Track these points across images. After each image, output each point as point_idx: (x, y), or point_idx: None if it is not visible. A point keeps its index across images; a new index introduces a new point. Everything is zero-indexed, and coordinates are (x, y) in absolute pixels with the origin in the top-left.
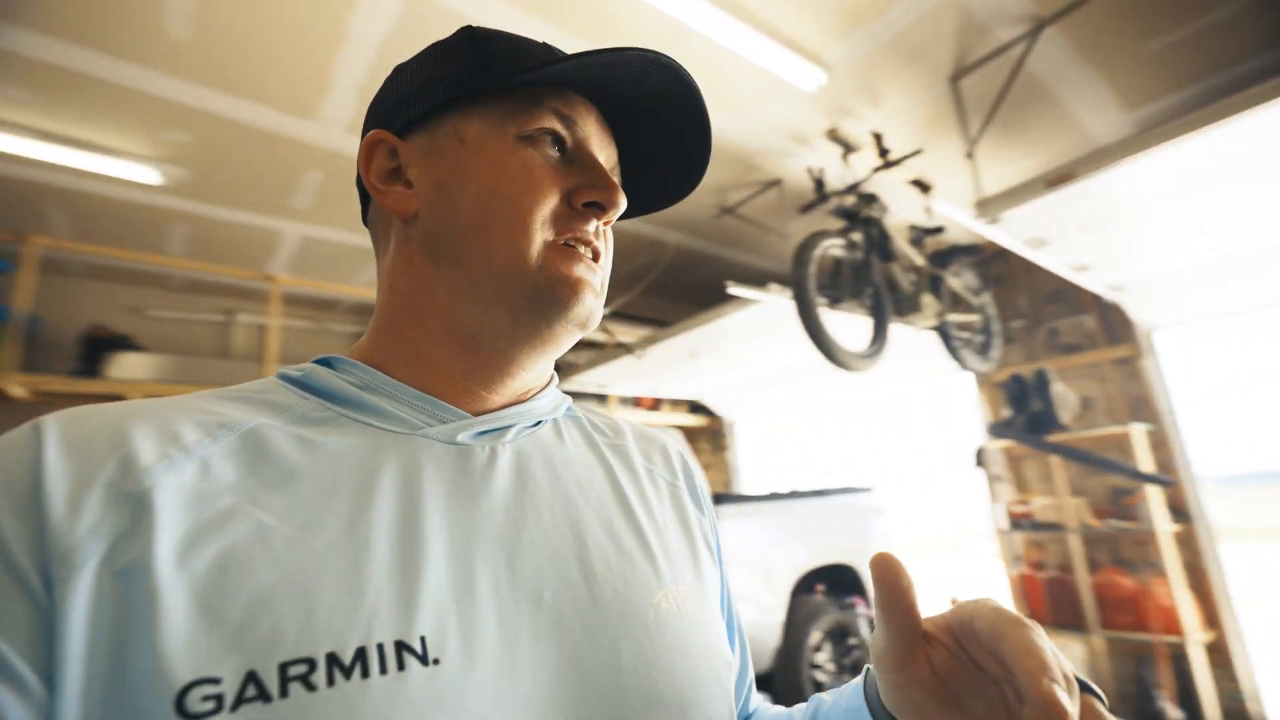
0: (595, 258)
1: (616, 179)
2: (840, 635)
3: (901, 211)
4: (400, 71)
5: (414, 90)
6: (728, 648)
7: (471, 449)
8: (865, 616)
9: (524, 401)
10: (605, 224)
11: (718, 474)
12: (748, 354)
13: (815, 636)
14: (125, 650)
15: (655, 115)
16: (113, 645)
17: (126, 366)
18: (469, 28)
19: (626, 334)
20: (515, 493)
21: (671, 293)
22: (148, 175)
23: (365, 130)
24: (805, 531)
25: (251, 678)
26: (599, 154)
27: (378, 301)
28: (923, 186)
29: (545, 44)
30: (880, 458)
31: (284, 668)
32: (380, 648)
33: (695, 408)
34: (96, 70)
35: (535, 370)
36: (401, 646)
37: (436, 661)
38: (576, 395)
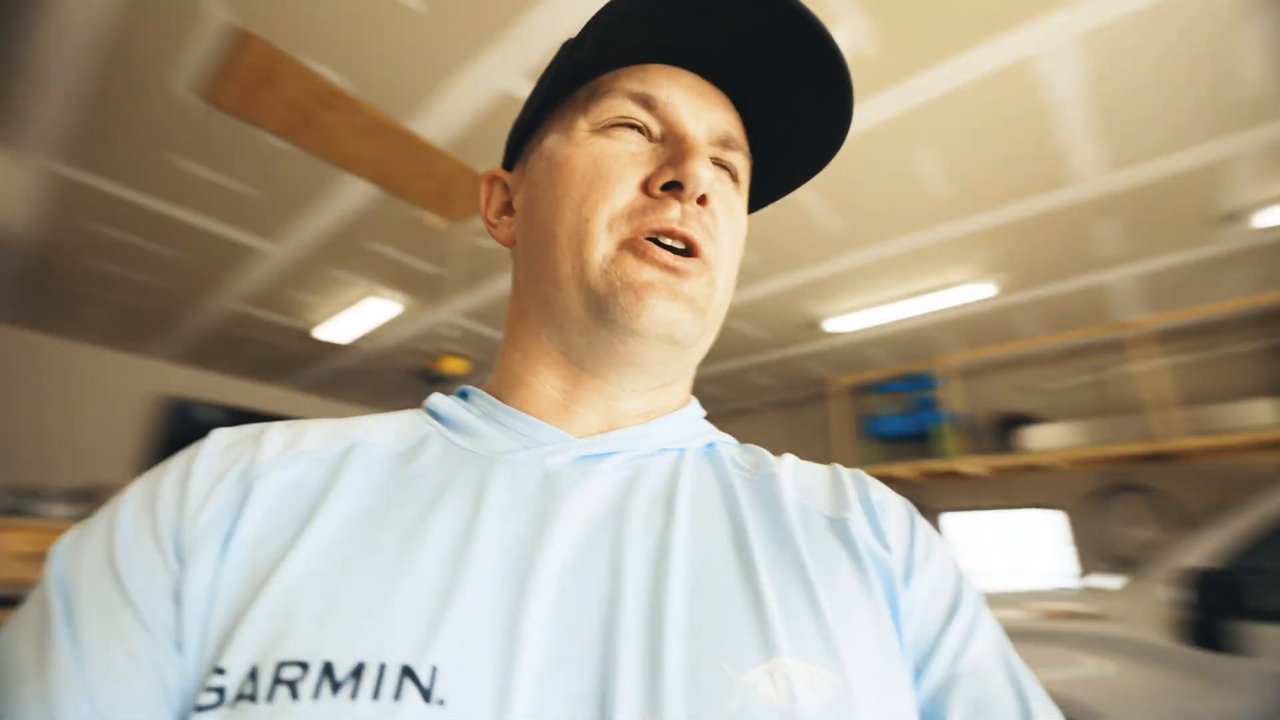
0: (691, 252)
1: (736, 147)
2: None
3: None
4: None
5: (519, 121)
6: None
7: (558, 475)
8: None
9: (639, 426)
10: (701, 204)
11: None
12: None
13: None
14: (206, 625)
15: (766, 62)
16: (207, 619)
17: (1039, 437)
18: (566, 41)
19: None
20: (596, 527)
21: None
22: (986, 290)
23: None
24: None
25: (252, 674)
26: (693, 121)
27: None
28: None
29: None
30: None
31: (279, 667)
32: (382, 668)
33: None
34: (900, 249)
35: (643, 389)
36: (406, 673)
37: (441, 702)
38: None
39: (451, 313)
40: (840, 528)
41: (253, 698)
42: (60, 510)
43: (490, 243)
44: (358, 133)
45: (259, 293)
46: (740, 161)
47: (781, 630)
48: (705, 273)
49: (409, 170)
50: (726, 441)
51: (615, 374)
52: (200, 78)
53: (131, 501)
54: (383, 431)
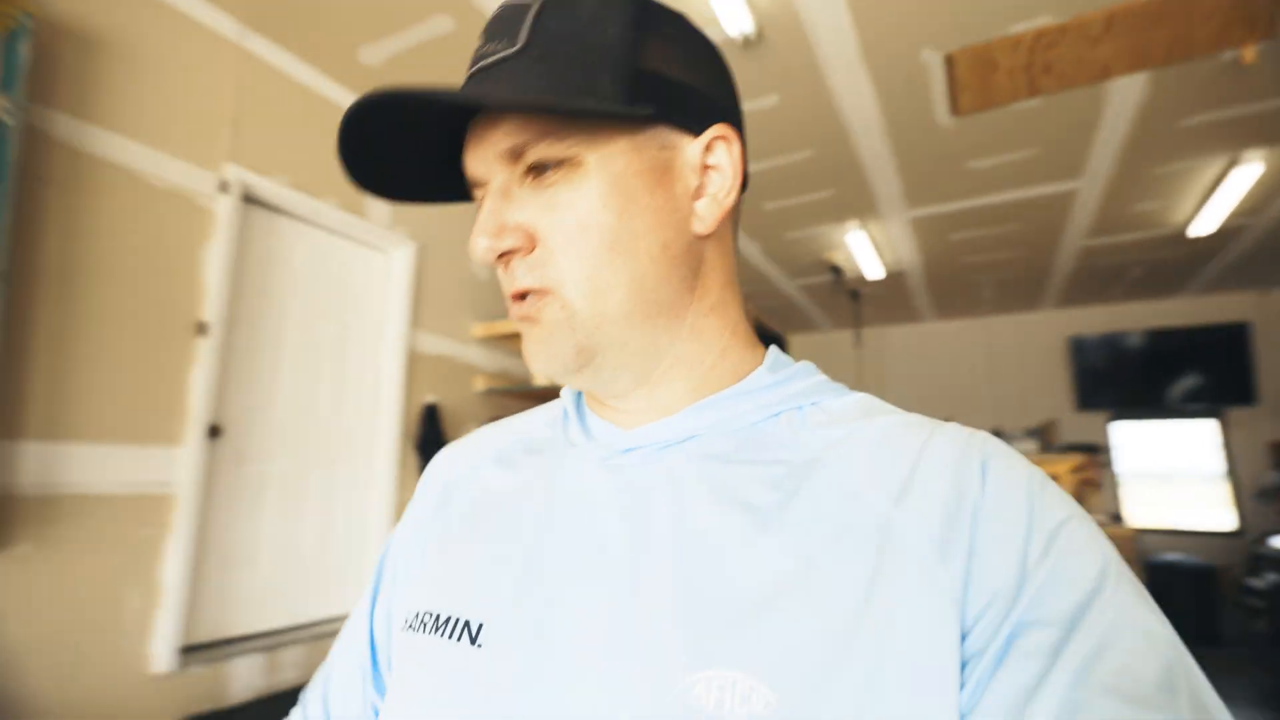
0: (539, 298)
1: (526, 147)
2: None
3: None
4: None
5: None
6: None
7: (596, 469)
8: None
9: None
10: (523, 251)
11: None
12: None
13: None
14: (408, 578)
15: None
16: (408, 574)
17: None
18: None
19: None
20: (620, 518)
21: None
22: None
23: None
24: None
25: (416, 614)
26: (488, 170)
27: None
28: None
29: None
30: None
31: (420, 614)
32: (455, 620)
33: None
34: None
35: (620, 394)
36: (465, 625)
37: (480, 646)
38: None
39: None
40: (883, 529)
41: (413, 629)
42: (1026, 446)
43: None
44: (1092, 43)
45: (1095, 224)
46: (548, 151)
47: (713, 638)
48: (551, 300)
49: (1171, 33)
50: (813, 404)
51: (607, 399)
52: (947, 104)
53: (417, 492)
54: (529, 425)
